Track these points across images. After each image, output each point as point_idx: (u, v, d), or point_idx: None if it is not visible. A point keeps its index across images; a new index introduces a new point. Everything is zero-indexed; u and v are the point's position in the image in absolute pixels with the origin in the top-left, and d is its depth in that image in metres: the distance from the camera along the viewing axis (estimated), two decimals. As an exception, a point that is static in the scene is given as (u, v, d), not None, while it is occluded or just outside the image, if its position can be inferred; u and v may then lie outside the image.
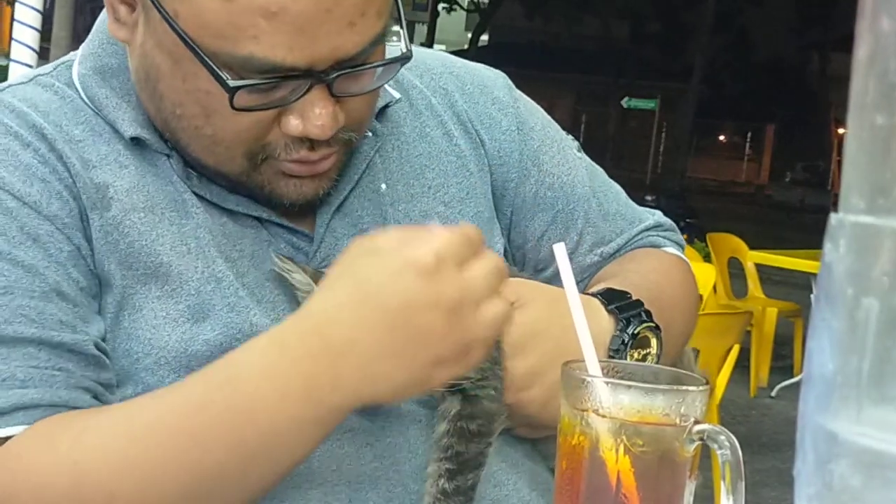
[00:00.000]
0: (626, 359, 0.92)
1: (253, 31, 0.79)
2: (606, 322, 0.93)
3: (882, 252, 0.48)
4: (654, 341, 0.95)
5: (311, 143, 0.87)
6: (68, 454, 0.78)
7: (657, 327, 0.95)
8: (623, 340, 0.93)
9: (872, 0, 0.48)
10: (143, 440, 0.79)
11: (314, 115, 0.84)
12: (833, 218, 0.51)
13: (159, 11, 0.82)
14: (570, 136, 1.15)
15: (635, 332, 0.93)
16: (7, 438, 0.78)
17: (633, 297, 0.96)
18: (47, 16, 4.11)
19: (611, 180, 1.17)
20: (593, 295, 0.96)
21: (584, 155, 1.15)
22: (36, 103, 0.91)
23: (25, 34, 3.73)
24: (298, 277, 0.88)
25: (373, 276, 0.76)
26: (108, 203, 0.88)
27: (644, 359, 0.94)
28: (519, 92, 1.14)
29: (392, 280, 0.75)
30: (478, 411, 0.88)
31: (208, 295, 0.88)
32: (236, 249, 0.91)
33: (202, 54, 0.81)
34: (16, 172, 0.86)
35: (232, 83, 0.81)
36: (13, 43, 3.76)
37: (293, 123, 0.85)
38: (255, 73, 0.81)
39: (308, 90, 0.84)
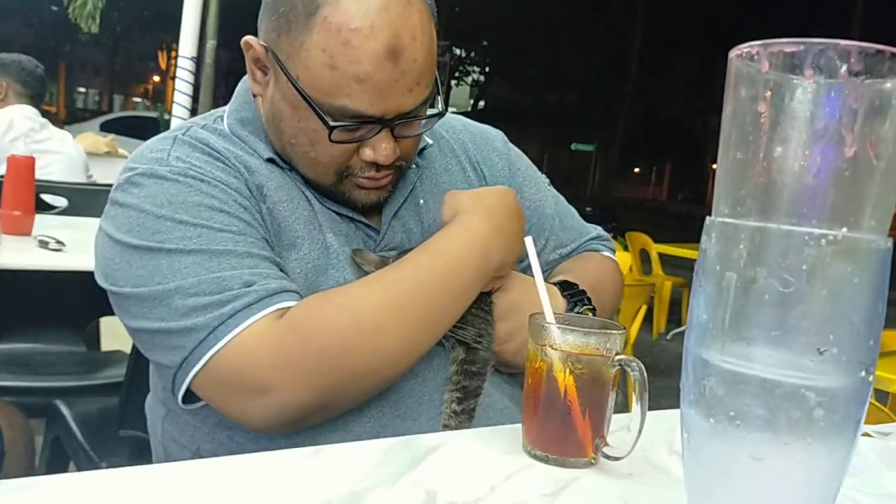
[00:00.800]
0: None
1: (347, 91, 0.80)
2: (561, 303, 0.93)
3: (739, 242, 0.48)
4: (591, 316, 0.95)
5: (377, 167, 0.88)
6: (345, 303, 0.78)
7: (594, 308, 0.95)
8: None
9: (734, 76, 0.48)
10: (393, 289, 0.80)
11: (381, 148, 0.85)
12: (707, 220, 0.51)
13: (286, 75, 0.83)
14: (543, 175, 1.15)
15: (579, 311, 0.94)
16: (286, 309, 0.78)
17: (580, 287, 0.96)
18: (196, 87, 4.14)
19: (569, 205, 1.16)
20: (554, 284, 0.96)
21: (552, 188, 1.15)
22: (210, 136, 0.91)
23: (182, 99, 3.78)
24: (365, 268, 0.88)
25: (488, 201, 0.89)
26: (264, 197, 0.88)
27: None
28: (511, 145, 1.13)
29: (499, 200, 0.90)
30: (476, 357, 0.87)
31: (323, 259, 0.88)
32: (337, 231, 0.91)
33: (313, 104, 0.82)
34: (219, 172, 0.86)
35: (331, 124, 0.82)
36: (174, 105, 3.82)
37: (367, 153, 0.86)
38: (346, 118, 0.82)
39: (379, 131, 0.85)
